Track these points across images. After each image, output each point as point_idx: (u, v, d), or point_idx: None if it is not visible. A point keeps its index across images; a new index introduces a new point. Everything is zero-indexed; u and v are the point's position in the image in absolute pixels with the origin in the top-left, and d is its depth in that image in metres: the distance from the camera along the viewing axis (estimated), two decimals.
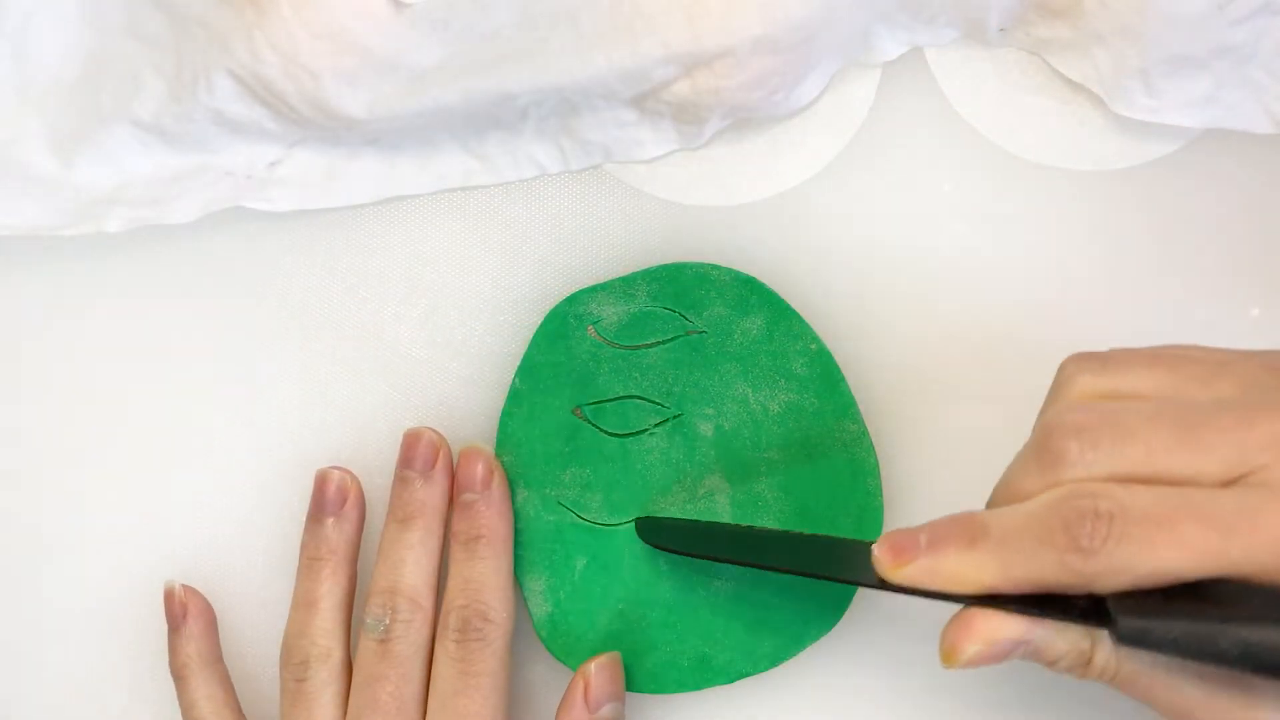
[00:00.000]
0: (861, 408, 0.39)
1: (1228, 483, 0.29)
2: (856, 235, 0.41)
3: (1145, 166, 0.41)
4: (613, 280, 0.40)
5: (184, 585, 0.40)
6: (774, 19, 0.37)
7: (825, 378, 0.39)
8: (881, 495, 0.39)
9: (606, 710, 0.37)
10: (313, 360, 0.42)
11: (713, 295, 0.40)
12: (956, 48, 0.41)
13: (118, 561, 0.41)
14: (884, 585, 0.33)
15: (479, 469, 0.39)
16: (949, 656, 0.32)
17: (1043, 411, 0.33)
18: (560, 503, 0.39)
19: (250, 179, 0.41)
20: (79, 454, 0.42)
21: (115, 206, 0.41)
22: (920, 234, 0.41)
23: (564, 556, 0.39)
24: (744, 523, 0.39)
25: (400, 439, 0.40)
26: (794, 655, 0.38)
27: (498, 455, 0.39)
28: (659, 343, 0.40)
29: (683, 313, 0.40)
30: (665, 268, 0.40)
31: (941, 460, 0.40)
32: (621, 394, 0.40)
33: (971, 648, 0.31)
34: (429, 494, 0.39)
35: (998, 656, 0.31)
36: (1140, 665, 0.31)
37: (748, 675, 0.38)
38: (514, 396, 0.40)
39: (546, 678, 0.40)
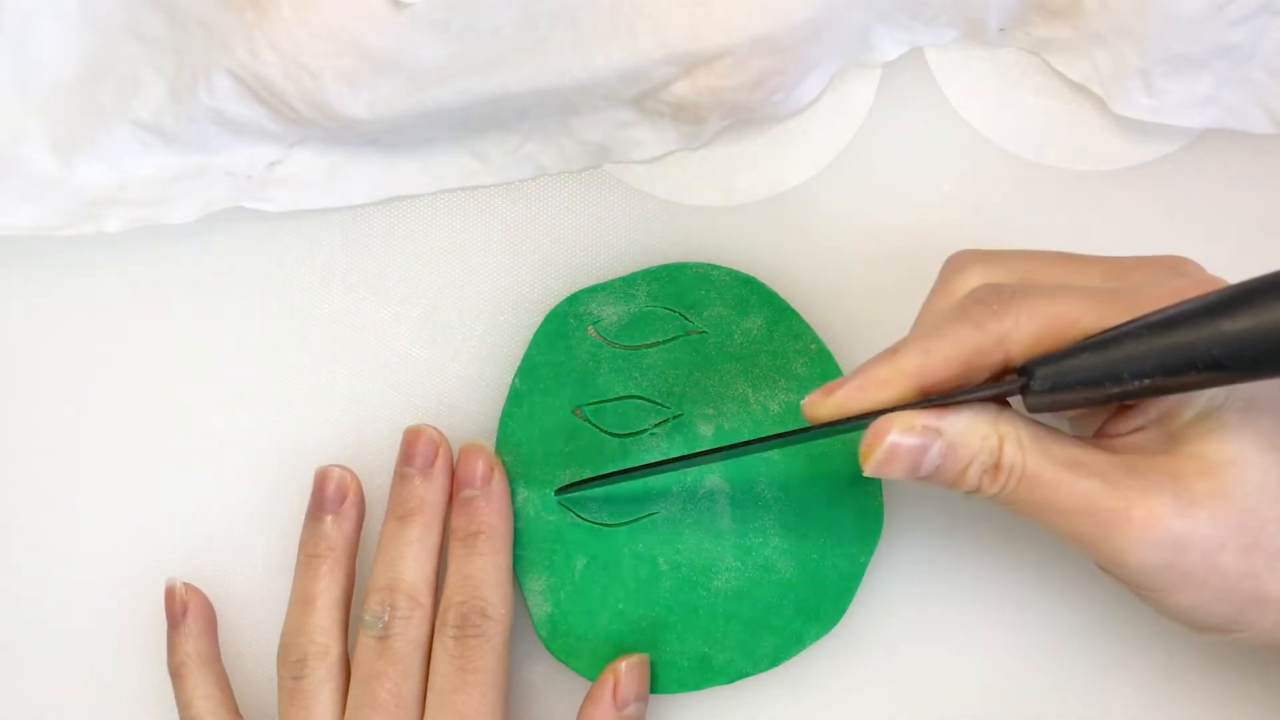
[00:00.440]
0: None
1: None
2: (856, 235, 0.41)
3: (1145, 166, 0.41)
4: (613, 280, 0.40)
5: (185, 583, 0.40)
6: (774, 19, 0.37)
7: (825, 378, 0.39)
8: (881, 495, 0.39)
9: (632, 710, 0.38)
10: (313, 360, 0.42)
11: (713, 295, 0.40)
12: (956, 48, 0.41)
13: (117, 561, 0.41)
14: (814, 432, 0.34)
15: (480, 465, 0.39)
16: (865, 455, 0.32)
17: (928, 304, 0.35)
18: (560, 503, 0.39)
19: (250, 179, 0.41)
20: (79, 453, 0.42)
21: (115, 206, 0.41)
22: (920, 234, 0.41)
23: (564, 556, 0.39)
24: (743, 523, 0.39)
25: (400, 438, 0.40)
26: (794, 655, 0.38)
27: (497, 455, 0.39)
28: (659, 343, 0.40)
29: (683, 313, 0.40)
30: (665, 268, 0.40)
31: None
32: (621, 394, 0.40)
33: (888, 438, 0.32)
34: (428, 491, 0.39)
35: (913, 455, 0.32)
36: (1044, 460, 0.31)
37: (748, 675, 0.38)
38: (514, 396, 0.40)
39: (546, 678, 0.40)
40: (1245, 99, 0.40)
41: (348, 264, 0.42)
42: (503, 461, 0.39)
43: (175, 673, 0.39)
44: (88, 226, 0.41)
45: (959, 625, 0.39)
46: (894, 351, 0.32)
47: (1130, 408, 0.33)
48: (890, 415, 0.32)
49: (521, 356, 0.40)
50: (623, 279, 0.40)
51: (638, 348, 0.40)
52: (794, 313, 0.40)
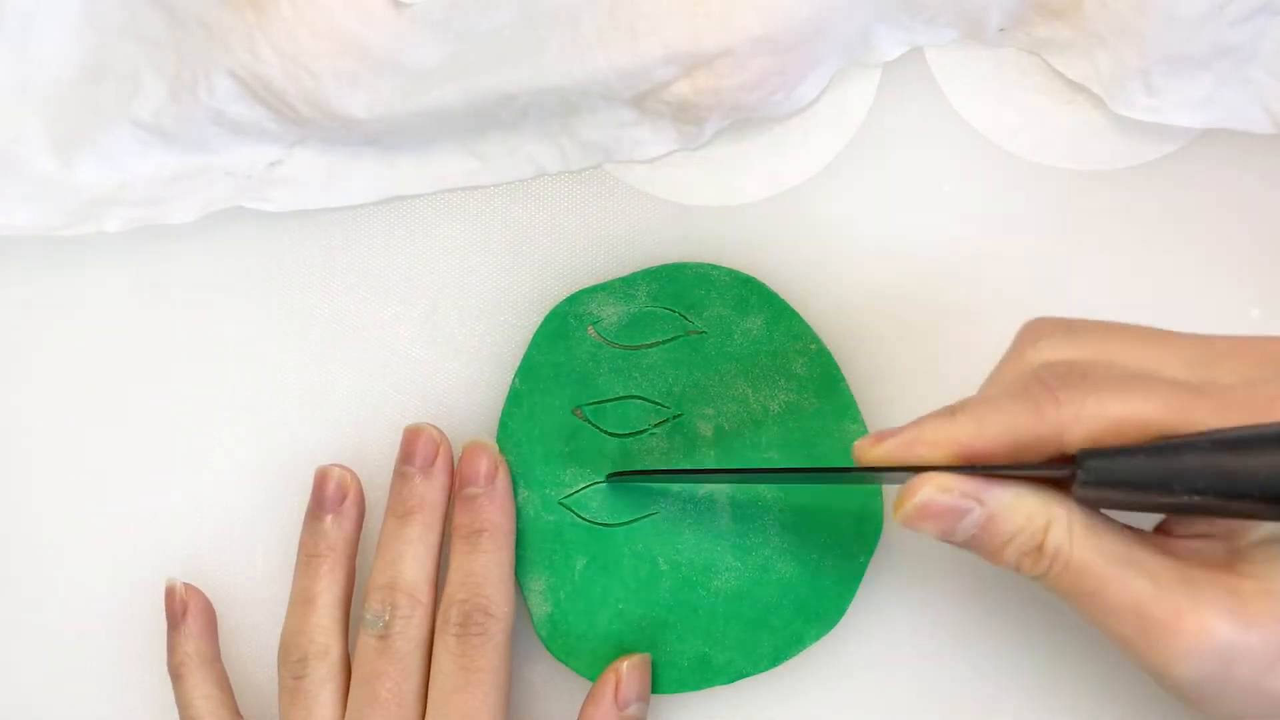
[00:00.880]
0: (861, 408, 0.39)
1: None
2: (856, 235, 0.41)
3: (1145, 166, 0.41)
4: (613, 280, 0.40)
5: (185, 583, 0.40)
6: (774, 19, 0.37)
7: (825, 378, 0.39)
8: (881, 496, 0.39)
9: (633, 710, 0.38)
10: (313, 360, 0.42)
11: (713, 295, 0.40)
12: (956, 48, 0.41)
13: (117, 561, 0.41)
14: (858, 476, 0.33)
15: (483, 463, 0.39)
16: (898, 505, 0.31)
17: (999, 367, 0.33)
18: (560, 503, 0.39)
19: (250, 179, 0.41)
20: (79, 453, 0.42)
21: (115, 206, 0.41)
22: (920, 234, 0.41)
23: (564, 556, 0.39)
24: (743, 523, 0.39)
25: (400, 437, 0.39)
26: (794, 655, 0.38)
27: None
28: (659, 343, 0.40)
29: (683, 313, 0.40)
30: (665, 268, 0.40)
31: None
32: (621, 394, 0.40)
33: (924, 491, 0.31)
34: (428, 489, 0.39)
35: (946, 517, 0.31)
36: (1093, 554, 0.30)
37: (748, 675, 0.38)
38: (514, 396, 0.40)
39: (546, 678, 0.40)
40: (1245, 99, 0.40)
41: (348, 264, 0.42)
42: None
43: (175, 673, 0.39)
44: (88, 226, 0.41)
45: (959, 626, 0.39)
46: (950, 413, 0.31)
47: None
48: (929, 474, 0.31)
49: (521, 356, 0.40)
50: (623, 279, 0.40)
51: (638, 348, 0.40)
52: (794, 313, 0.40)
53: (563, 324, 0.40)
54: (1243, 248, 0.40)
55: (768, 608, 0.38)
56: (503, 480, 0.39)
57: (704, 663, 0.38)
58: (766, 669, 0.38)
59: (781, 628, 0.38)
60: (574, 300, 0.40)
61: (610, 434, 0.39)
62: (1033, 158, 0.41)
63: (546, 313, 0.40)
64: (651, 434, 0.39)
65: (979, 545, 0.31)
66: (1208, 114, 0.40)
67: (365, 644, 0.37)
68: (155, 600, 0.41)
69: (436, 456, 0.39)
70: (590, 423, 0.39)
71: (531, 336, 0.40)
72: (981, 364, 0.41)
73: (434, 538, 0.38)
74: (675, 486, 0.39)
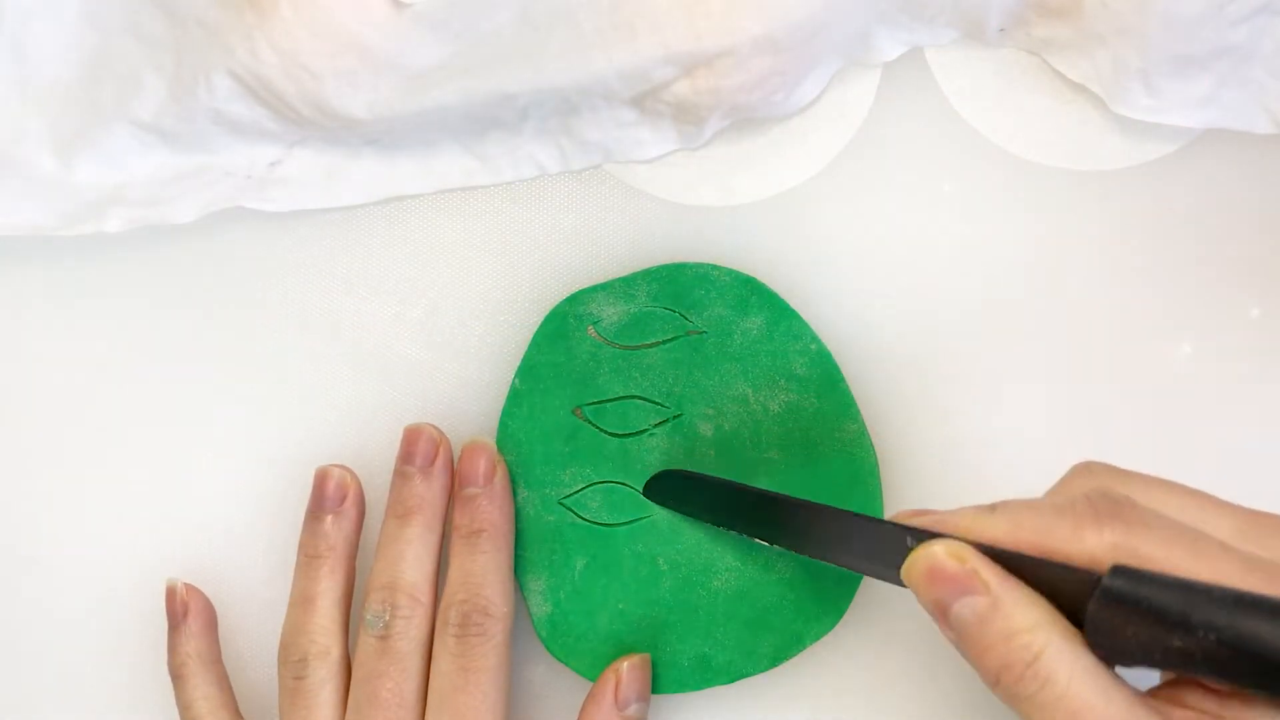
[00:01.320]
0: (861, 408, 0.39)
1: None
2: (856, 235, 0.41)
3: (1145, 166, 0.41)
4: (613, 280, 0.40)
5: (185, 583, 0.40)
6: (774, 19, 0.37)
7: (825, 378, 0.39)
8: (881, 495, 0.39)
9: (633, 710, 0.38)
10: (313, 360, 0.42)
11: (713, 295, 0.40)
12: (956, 48, 0.41)
13: (117, 560, 0.41)
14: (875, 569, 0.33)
15: (482, 463, 0.39)
16: (910, 560, 0.31)
17: (1047, 493, 0.32)
18: (560, 503, 0.39)
19: (250, 179, 0.41)
20: (79, 454, 0.42)
21: (115, 206, 0.41)
22: (920, 234, 0.41)
23: (564, 556, 0.39)
24: None
25: (400, 437, 0.39)
26: (794, 655, 0.38)
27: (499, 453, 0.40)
28: (659, 343, 0.40)
29: (683, 313, 0.40)
30: (665, 268, 0.40)
31: (941, 460, 0.40)
32: (621, 394, 0.40)
33: (937, 550, 0.30)
34: (428, 489, 0.39)
35: (949, 586, 0.30)
36: (1095, 695, 0.28)
37: (748, 675, 0.38)
38: (514, 396, 0.40)
39: (546, 678, 0.40)
40: (1245, 99, 0.40)
41: (348, 264, 0.42)
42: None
43: (176, 673, 0.39)
44: (88, 226, 0.41)
45: None
46: (990, 510, 0.31)
47: (1201, 684, 0.29)
48: (948, 539, 0.30)
49: (521, 356, 0.40)
50: (623, 279, 0.40)
51: (638, 348, 0.40)
52: (794, 313, 0.40)
53: (563, 324, 0.40)
54: (1243, 248, 0.40)
55: (768, 608, 0.38)
56: (501, 480, 0.39)
57: (704, 663, 0.38)
58: (766, 669, 0.38)
59: (781, 628, 0.38)
60: (574, 300, 0.40)
61: (610, 434, 0.39)
62: (1033, 158, 0.41)
63: (546, 313, 0.40)
64: (651, 434, 0.39)
65: (970, 636, 0.30)
66: (1208, 114, 0.40)
67: (365, 644, 0.37)
68: (155, 600, 0.41)
69: (436, 457, 0.39)
70: (590, 423, 0.39)
71: (531, 337, 0.40)
72: (982, 364, 0.41)
73: (434, 538, 0.38)
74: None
